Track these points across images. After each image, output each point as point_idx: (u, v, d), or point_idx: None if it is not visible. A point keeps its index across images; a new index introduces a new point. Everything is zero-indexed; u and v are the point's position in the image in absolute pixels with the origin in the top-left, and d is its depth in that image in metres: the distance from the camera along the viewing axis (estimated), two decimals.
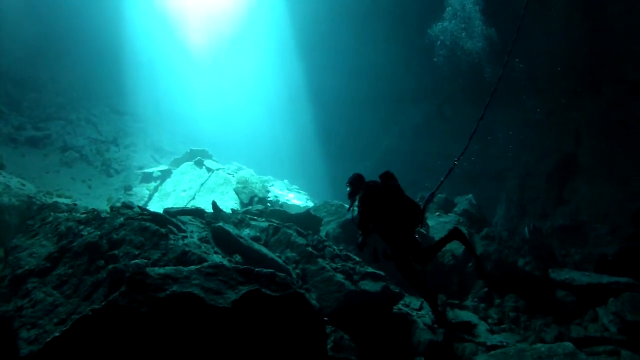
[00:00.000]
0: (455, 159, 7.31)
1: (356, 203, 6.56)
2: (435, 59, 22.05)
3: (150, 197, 20.69)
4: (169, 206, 18.03)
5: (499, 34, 19.83)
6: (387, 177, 6.68)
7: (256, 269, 5.52)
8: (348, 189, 6.70)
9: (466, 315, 11.43)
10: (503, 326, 11.53)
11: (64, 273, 7.43)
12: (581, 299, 11.95)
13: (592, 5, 18.57)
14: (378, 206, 6.31)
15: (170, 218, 9.00)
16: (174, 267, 5.20)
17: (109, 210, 10.88)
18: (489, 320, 11.71)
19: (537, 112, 21.19)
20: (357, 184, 6.66)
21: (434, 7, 23.06)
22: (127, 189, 20.97)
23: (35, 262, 8.02)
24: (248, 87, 39.55)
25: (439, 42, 21.99)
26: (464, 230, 12.63)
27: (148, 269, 5.01)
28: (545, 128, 20.76)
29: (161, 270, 5.05)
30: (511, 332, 11.27)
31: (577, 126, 19.37)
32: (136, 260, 5.07)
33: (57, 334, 4.38)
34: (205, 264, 5.47)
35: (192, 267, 5.27)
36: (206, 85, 39.11)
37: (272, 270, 5.54)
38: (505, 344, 10.00)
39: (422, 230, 13.96)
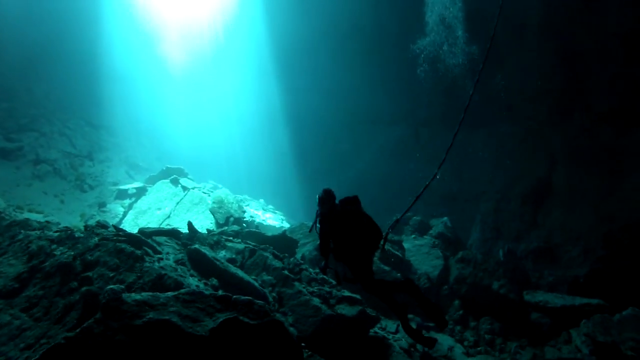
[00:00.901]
0: (428, 182, 7.35)
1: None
2: (418, 72, 22.32)
3: (124, 215, 20.34)
4: (144, 224, 17.89)
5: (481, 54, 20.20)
6: (347, 202, 6.64)
7: (234, 297, 5.44)
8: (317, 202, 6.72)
9: (442, 338, 11.42)
10: (479, 348, 11.58)
11: (34, 295, 7.21)
12: (555, 321, 12.15)
13: (563, 36, 19.09)
14: (333, 232, 6.34)
15: (146, 239, 8.85)
16: (151, 294, 5.09)
17: (82, 228, 10.65)
18: (465, 343, 11.76)
19: (512, 137, 21.57)
20: (322, 202, 6.62)
21: (412, 30, 23.42)
22: (101, 205, 20.60)
23: (3, 282, 7.75)
24: (225, 105, 39.36)
25: (422, 56, 22.28)
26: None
27: (124, 295, 4.89)
28: (520, 152, 21.11)
29: (137, 297, 4.93)
30: (487, 355, 11.32)
31: (551, 151, 19.76)
32: (112, 286, 4.94)
33: None
34: (183, 290, 5.37)
35: (169, 294, 5.17)
36: (183, 102, 38.85)
37: (250, 298, 5.47)
38: None
39: (398, 254, 14.01)
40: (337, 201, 6.65)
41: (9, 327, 6.57)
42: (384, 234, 6.57)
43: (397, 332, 10.68)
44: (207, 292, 5.43)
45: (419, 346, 10.39)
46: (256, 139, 37.34)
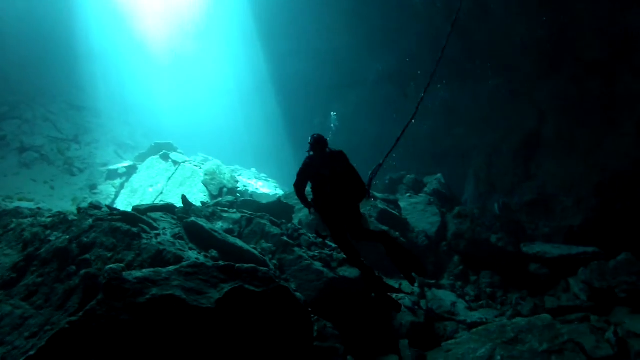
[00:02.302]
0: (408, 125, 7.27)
1: None
2: None
3: (117, 195, 20.16)
4: (137, 203, 17.70)
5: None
6: (333, 160, 6.57)
7: (237, 265, 5.36)
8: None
9: (444, 294, 11.52)
10: (481, 302, 11.68)
11: (33, 283, 7.09)
12: (553, 271, 12.28)
13: None
14: (314, 172, 6.33)
15: (141, 216, 8.71)
16: (152, 269, 4.99)
17: (75, 211, 10.48)
18: (467, 298, 11.85)
19: (500, 91, 21.42)
20: (312, 146, 6.55)
21: None
22: (92, 187, 20.38)
23: (0, 273, 7.65)
24: (210, 76, 38.90)
25: None
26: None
27: (125, 274, 4.79)
28: (509, 106, 21.00)
29: (139, 274, 4.83)
30: (489, 308, 11.43)
31: (540, 103, 19.65)
32: (111, 265, 4.82)
33: (32, 353, 4.13)
34: (184, 263, 5.27)
35: (171, 268, 5.07)
36: (166, 76, 38.35)
37: (253, 265, 5.39)
38: (484, 320, 10.15)
39: (395, 212, 14.00)
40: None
41: (12, 317, 6.47)
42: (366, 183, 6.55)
43: (399, 291, 10.70)
44: (208, 264, 5.34)
45: (422, 303, 10.47)
46: (244, 107, 37.03)
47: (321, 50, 27.86)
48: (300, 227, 11.30)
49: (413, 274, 6.35)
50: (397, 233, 12.88)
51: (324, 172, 6.20)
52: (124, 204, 18.71)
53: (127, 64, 35.50)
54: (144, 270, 4.97)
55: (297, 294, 5.58)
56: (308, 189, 6.47)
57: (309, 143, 6.55)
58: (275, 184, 22.91)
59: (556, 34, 18.72)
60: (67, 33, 29.95)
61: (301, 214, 13.42)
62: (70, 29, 30.37)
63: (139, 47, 37.35)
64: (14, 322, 6.40)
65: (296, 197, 6.83)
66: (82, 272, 6.58)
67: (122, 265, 4.93)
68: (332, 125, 23.54)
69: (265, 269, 5.48)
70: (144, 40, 37.78)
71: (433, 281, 12.23)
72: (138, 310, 4.51)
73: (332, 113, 25.60)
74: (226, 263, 5.42)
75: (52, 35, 28.84)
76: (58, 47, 28.97)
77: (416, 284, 11.24)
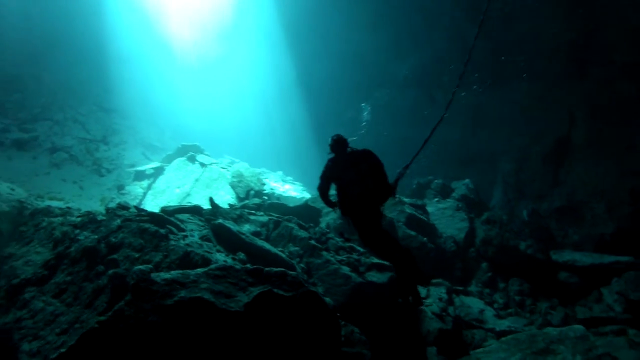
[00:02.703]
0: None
1: None
2: None
3: (144, 196, 20.33)
4: (164, 204, 17.83)
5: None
6: (339, 145, 6.52)
7: (266, 269, 5.30)
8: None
9: (472, 302, 11.33)
10: (509, 310, 11.46)
11: (63, 281, 7.18)
12: (584, 280, 11.98)
13: None
14: (337, 173, 6.29)
15: (169, 217, 8.73)
16: (180, 271, 4.96)
17: (104, 211, 10.59)
18: (495, 305, 11.64)
19: (529, 95, 21.12)
20: (333, 150, 6.58)
21: None
22: (120, 188, 20.62)
23: (32, 270, 7.76)
24: (236, 78, 39.07)
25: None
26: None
27: (153, 275, 4.76)
28: (538, 110, 20.68)
29: (167, 275, 4.80)
30: (518, 316, 11.21)
31: (570, 107, 19.31)
32: (140, 266, 4.79)
33: (63, 350, 4.14)
34: (213, 265, 5.23)
35: (199, 270, 5.03)
36: (193, 78, 38.62)
37: (282, 269, 5.32)
38: (513, 328, 9.95)
39: (423, 218, 13.84)
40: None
41: (44, 313, 6.59)
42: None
43: (427, 297, 10.55)
44: (237, 266, 5.30)
45: (450, 310, 10.29)
46: (270, 110, 37.14)
47: (347, 53, 27.84)
48: (328, 230, 11.23)
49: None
50: (425, 238, 12.71)
51: (348, 174, 6.13)
52: (151, 204, 18.86)
53: (155, 66, 35.84)
54: (172, 272, 4.94)
55: (327, 299, 5.49)
56: (333, 190, 6.42)
57: (329, 145, 6.51)
58: (301, 187, 22.87)
59: (586, 36, 18.40)
60: (97, 36, 30.43)
61: (328, 218, 13.35)
62: (100, 32, 30.84)
63: (166, 49, 37.72)
64: (46, 318, 6.52)
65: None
66: (110, 272, 6.60)
67: (150, 266, 4.90)
68: (365, 119, 23.38)
69: (294, 272, 5.41)
70: (171, 42, 38.14)
71: (461, 287, 12.05)
72: (166, 312, 4.48)
73: (363, 105, 25.41)
74: (255, 266, 5.37)
75: (82, 39, 29.34)
76: (88, 50, 29.47)
77: (444, 291, 11.11)
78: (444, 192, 17.31)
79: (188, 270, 5.03)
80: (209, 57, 39.45)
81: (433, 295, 10.54)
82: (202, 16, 38.27)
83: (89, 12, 30.15)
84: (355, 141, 6.72)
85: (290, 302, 4.97)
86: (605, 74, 17.72)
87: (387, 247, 6.22)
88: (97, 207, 16.58)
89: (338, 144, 6.44)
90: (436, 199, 16.51)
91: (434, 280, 11.44)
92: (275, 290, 4.95)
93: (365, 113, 25.35)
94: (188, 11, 38.12)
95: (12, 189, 13.04)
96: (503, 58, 21.20)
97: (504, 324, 10.36)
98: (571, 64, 18.93)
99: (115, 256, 7.28)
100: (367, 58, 27.34)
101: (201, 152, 23.96)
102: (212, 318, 4.57)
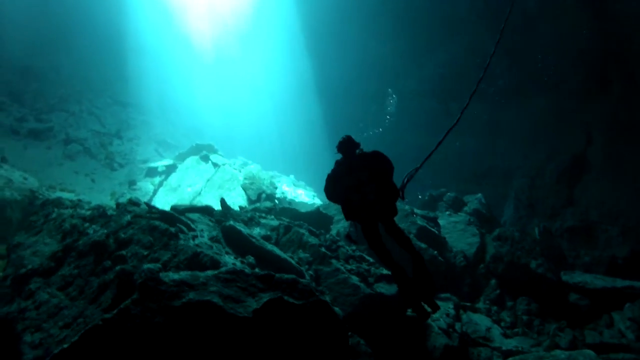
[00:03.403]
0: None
1: None
2: None
3: (155, 192, 20.32)
4: (175, 202, 17.82)
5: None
6: (346, 152, 6.44)
7: (277, 275, 5.20)
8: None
9: (479, 319, 11.14)
10: (516, 330, 11.25)
11: (69, 274, 7.12)
12: (595, 303, 11.74)
13: (600, 3, 18.28)
14: (342, 178, 6.15)
15: (179, 216, 8.66)
16: (190, 273, 4.88)
17: (114, 206, 10.56)
18: (502, 324, 11.44)
19: (546, 111, 20.92)
20: (339, 149, 6.44)
21: (442, 4, 22.80)
22: (132, 183, 20.64)
23: (39, 261, 7.71)
24: (253, 80, 39.17)
25: None
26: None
27: (161, 275, 4.68)
28: (555, 126, 20.47)
29: (176, 276, 4.71)
30: (525, 336, 10.99)
31: (587, 125, 19.09)
32: (148, 265, 4.71)
33: (65, 346, 4.06)
34: (223, 269, 5.14)
35: (209, 273, 4.94)
36: (210, 77, 38.73)
37: (294, 277, 5.21)
38: (520, 348, 9.78)
39: (434, 230, 13.68)
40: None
41: (48, 305, 6.53)
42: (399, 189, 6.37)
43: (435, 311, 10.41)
44: (247, 271, 5.20)
45: (457, 326, 10.13)
46: (286, 113, 37.14)
47: (365, 60, 27.84)
48: (338, 238, 11.10)
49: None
50: (436, 252, 12.55)
51: (350, 179, 6.07)
52: (162, 202, 18.85)
53: (173, 63, 36.03)
54: (181, 273, 4.85)
55: (336, 309, 5.37)
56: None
57: (336, 146, 6.45)
58: (313, 193, 22.77)
59: (608, 51, 18.19)
60: (118, 29, 30.65)
61: (339, 225, 13.21)
62: (120, 26, 31.07)
63: (185, 46, 37.89)
64: (50, 311, 6.45)
65: (335, 207, 6.74)
66: (118, 268, 6.55)
67: (159, 265, 4.82)
68: (389, 110, 23.23)
69: (305, 280, 5.31)
70: (191, 39, 38.31)
71: (469, 304, 11.87)
72: (173, 313, 4.39)
73: (389, 90, 25.24)
74: (266, 272, 5.26)
75: (103, 31, 29.56)
76: (108, 43, 29.67)
77: (451, 307, 10.96)
78: (456, 206, 17.11)
79: (197, 272, 4.94)
80: (227, 56, 39.56)
81: (441, 310, 10.32)
82: (223, 15, 38.40)
83: (110, 5, 30.34)
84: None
85: (300, 310, 4.86)
86: (626, 92, 17.48)
87: (390, 257, 6.18)
88: (108, 201, 16.61)
89: (344, 145, 6.36)
90: (448, 212, 16.33)
91: (442, 295, 11.31)
92: (285, 297, 4.85)
93: (390, 101, 25.17)
94: (209, 9, 38.26)
95: (25, 178, 13.09)
96: (519, 74, 21.08)
97: (510, 344, 10.19)
98: (591, 80, 18.72)
99: (123, 252, 7.20)
100: (384, 66, 27.29)
101: (215, 152, 23.94)
102: (220, 322, 4.47)
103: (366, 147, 6.74)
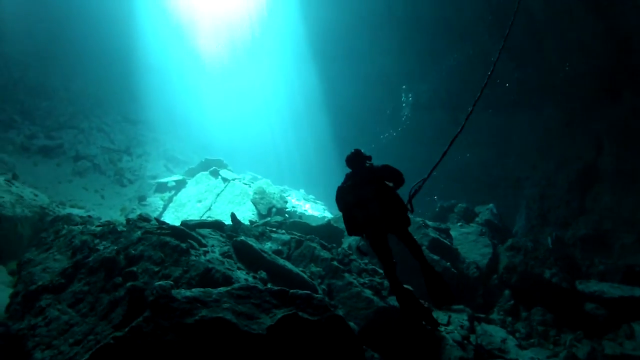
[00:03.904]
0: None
1: None
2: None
3: (164, 208, 20.33)
4: (184, 217, 17.79)
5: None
6: (355, 166, 6.44)
7: (291, 291, 5.10)
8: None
9: (494, 330, 10.96)
10: (532, 340, 11.07)
11: (79, 290, 7.07)
12: (612, 313, 11.49)
13: (609, 10, 18.21)
14: (347, 207, 6.38)
15: (190, 232, 8.60)
16: (202, 289, 4.80)
17: (124, 221, 10.54)
18: (517, 335, 11.26)
19: (556, 120, 20.81)
20: (348, 164, 6.72)
21: (448, 15, 22.81)
22: (141, 199, 20.68)
23: (49, 277, 7.68)
24: (262, 95, 39.36)
25: None
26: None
27: (174, 292, 4.61)
28: (565, 136, 20.35)
29: (188, 293, 4.64)
30: (541, 347, 10.81)
31: (598, 134, 18.96)
32: (160, 282, 4.65)
33: None
34: (236, 285, 5.05)
35: (222, 289, 4.86)
36: (219, 93, 38.95)
37: (308, 292, 5.11)
38: None
39: (446, 242, 13.55)
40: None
41: (58, 322, 6.47)
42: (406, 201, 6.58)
43: (448, 323, 10.24)
44: (261, 287, 5.12)
45: (472, 338, 9.97)
46: (294, 128, 37.24)
47: (372, 74, 27.92)
48: (350, 252, 11.01)
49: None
50: (448, 263, 12.42)
51: (353, 197, 6.07)
52: (172, 217, 18.85)
53: (181, 79, 36.28)
54: (193, 290, 4.78)
55: (351, 324, 5.28)
56: None
57: (345, 160, 6.51)
58: (323, 206, 22.71)
59: (620, 60, 18.09)
60: (127, 47, 30.95)
61: (351, 239, 13.12)
62: (129, 43, 31.37)
63: (193, 62, 38.20)
64: (60, 328, 6.39)
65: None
66: (128, 284, 6.50)
67: (170, 282, 4.75)
68: (404, 114, 23.15)
69: (320, 296, 5.21)
70: (199, 56, 38.60)
71: (483, 315, 11.70)
72: (185, 331, 4.31)
73: (405, 87, 25.21)
74: (279, 288, 5.17)
75: (112, 49, 29.86)
76: (117, 61, 29.97)
77: (465, 318, 10.80)
78: (468, 217, 17.00)
79: (210, 289, 4.86)
80: (235, 72, 39.79)
81: (454, 322, 10.21)
82: (231, 31, 38.72)
83: (118, 23, 30.74)
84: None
85: (315, 326, 4.76)
86: (637, 100, 17.37)
87: (394, 272, 6.26)
88: (118, 217, 16.62)
89: (352, 159, 6.51)
90: (459, 223, 16.22)
91: (455, 307, 11.14)
92: (300, 313, 4.75)
93: (407, 102, 25.11)
94: (217, 25, 38.59)
95: (36, 195, 13.10)
96: (527, 84, 21.00)
97: (526, 355, 9.98)
98: (602, 89, 18.62)
99: (134, 268, 7.15)
100: (392, 79, 27.34)
101: (224, 167, 23.96)
102: (233, 340, 4.37)
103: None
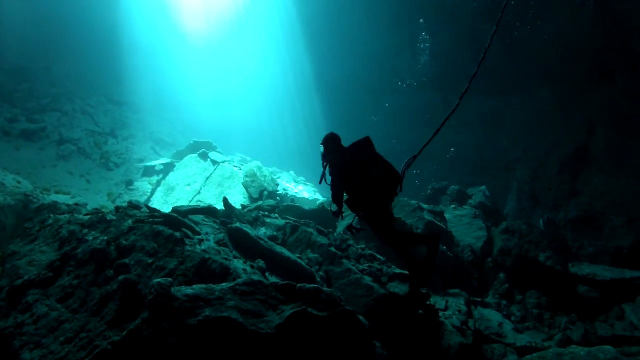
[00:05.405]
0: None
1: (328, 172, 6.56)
2: None
3: (153, 192, 19.90)
4: (174, 202, 17.47)
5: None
6: (359, 147, 6.41)
7: (299, 285, 4.85)
8: (322, 150, 6.69)
9: (491, 314, 10.93)
10: (527, 324, 11.07)
11: (69, 284, 6.72)
12: (604, 295, 11.55)
13: None
14: (347, 182, 6.20)
15: (183, 219, 8.30)
16: (204, 286, 4.52)
17: (112, 207, 10.21)
18: (512, 318, 11.26)
19: (548, 102, 20.78)
20: (329, 147, 6.58)
21: None
22: (129, 183, 20.25)
23: (36, 271, 7.31)
24: (250, 75, 38.84)
25: None
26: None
27: (173, 289, 4.33)
28: (557, 118, 20.34)
29: (189, 291, 4.35)
30: (536, 331, 10.79)
31: (590, 116, 18.95)
32: (159, 279, 4.33)
33: None
34: (240, 280, 4.76)
35: (225, 286, 4.58)
36: (206, 73, 38.35)
37: (316, 286, 4.85)
38: (533, 344, 9.56)
39: (441, 225, 13.44)
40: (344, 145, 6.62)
41: (47, 319, 6.12)
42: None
43: (446, 309, 10.15)
44: (261, 278, 4.87)
45: (470, 323, 9.89)
46: (283, 108, 36.95)
47: (364, 54, 27.65)
48: (347, 237, 10.83)
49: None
50: (444, 247, 12.30)
51: (359, 177, 5.94)
52: (160, 202, 18.51)
53: (167, 59, 35.62)
54: (194, 287, 4.50)
55: (362, 318, 5.07)
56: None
57: (324, 141, 6.47)
58: (314, 188, 22.45)
59: (612, 42, 18.02)
60: (110, 26, 30.21)
61: (345, 222, 12.94)
62: (112, 22, 30.62)
63: (179, 41, 37.47)
64: (50, 325, 6.03)
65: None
66: (121, 277, 6.15)
67: (170, 279, 4.43)
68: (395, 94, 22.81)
69: (329, 290, 4.97)
70: (185, 34, 37.87)
71: (479, 299, 11.65)
72: (188, 333, 4.02)
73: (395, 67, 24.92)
74: (286, 282, 4.90)
75: (95, 28, 29.12)
76: (100, 40, 29.25)
77: (462, 303, 10.72)
78: (461, 199, 16.89)
79: (213, 285, 4.58)
80: (223, 52, 39.15)
81: (452, 307, 10.13)
82: (219, 9, 37.93)
83: (103, 1, 29.92)
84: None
85: (325, 322, 4.52)
86: (630, 83, 17.32)
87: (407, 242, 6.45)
88: (104, 202, 16.26)
89: (334, 142, 6.37)
90: (453, 206, 16.11)
91: (452, 291, 11.11)
92: (309, 309, 4.50)
93: (397, 83, 24.87)
94: (204, 3, 37.79)
95: (19, 182, 12.67)
96: (519, 65, 20.89)
97: (524, 339, 9.98)
98: (594, 71, 18.55)
99: (126, 260, 6.82)
100: (383, 60, 27.08)
101: (214, 149, 23.51)
102: (241, 341, 4.10)
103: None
